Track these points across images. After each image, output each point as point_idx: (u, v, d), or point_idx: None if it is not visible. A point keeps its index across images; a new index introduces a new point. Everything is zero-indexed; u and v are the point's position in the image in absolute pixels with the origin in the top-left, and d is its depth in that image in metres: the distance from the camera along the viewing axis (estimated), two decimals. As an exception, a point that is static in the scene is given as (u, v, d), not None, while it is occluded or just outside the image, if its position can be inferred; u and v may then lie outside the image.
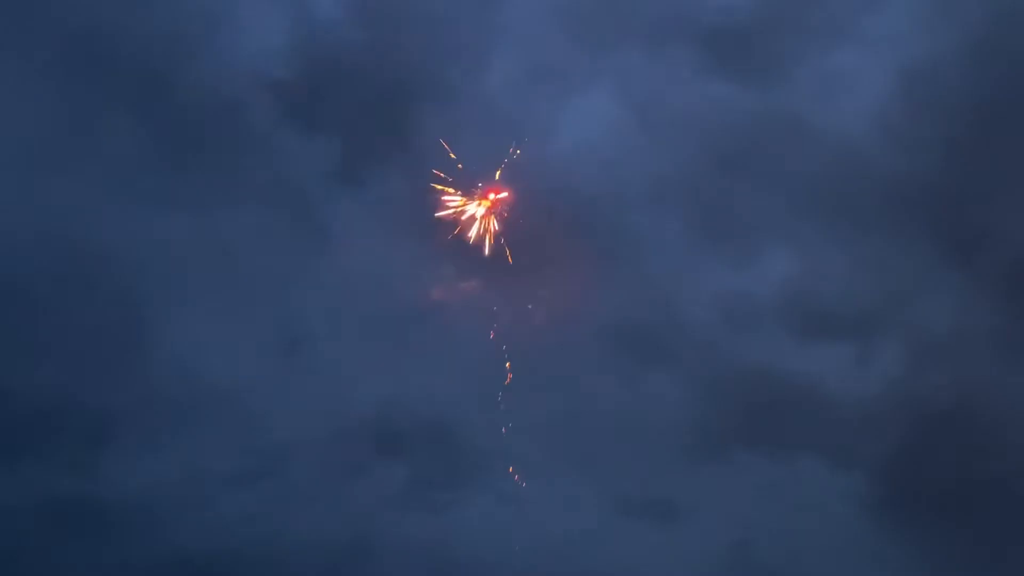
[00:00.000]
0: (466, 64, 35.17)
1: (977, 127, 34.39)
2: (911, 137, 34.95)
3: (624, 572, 35.27)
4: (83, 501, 34.67)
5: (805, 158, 35.32)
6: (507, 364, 34.82)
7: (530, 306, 35.23)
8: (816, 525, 35.83)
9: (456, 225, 33.79)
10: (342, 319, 36.75)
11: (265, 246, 36.24)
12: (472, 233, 33.82)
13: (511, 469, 34.84)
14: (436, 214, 33.68)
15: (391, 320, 36.58)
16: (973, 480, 35.03)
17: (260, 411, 35.96)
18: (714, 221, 35.71)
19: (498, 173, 33.63)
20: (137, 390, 35.23)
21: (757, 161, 35.45)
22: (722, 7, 34.20)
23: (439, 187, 33.42)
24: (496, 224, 33.83)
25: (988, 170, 34.77)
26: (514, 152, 33.39)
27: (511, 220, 33.88)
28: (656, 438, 36.26)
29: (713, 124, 34.92)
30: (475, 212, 33.62)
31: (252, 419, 35.91)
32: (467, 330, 35.92)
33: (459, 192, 33.61)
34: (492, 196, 33.68)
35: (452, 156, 33.35)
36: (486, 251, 34.01)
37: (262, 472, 36.08)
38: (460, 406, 36.09)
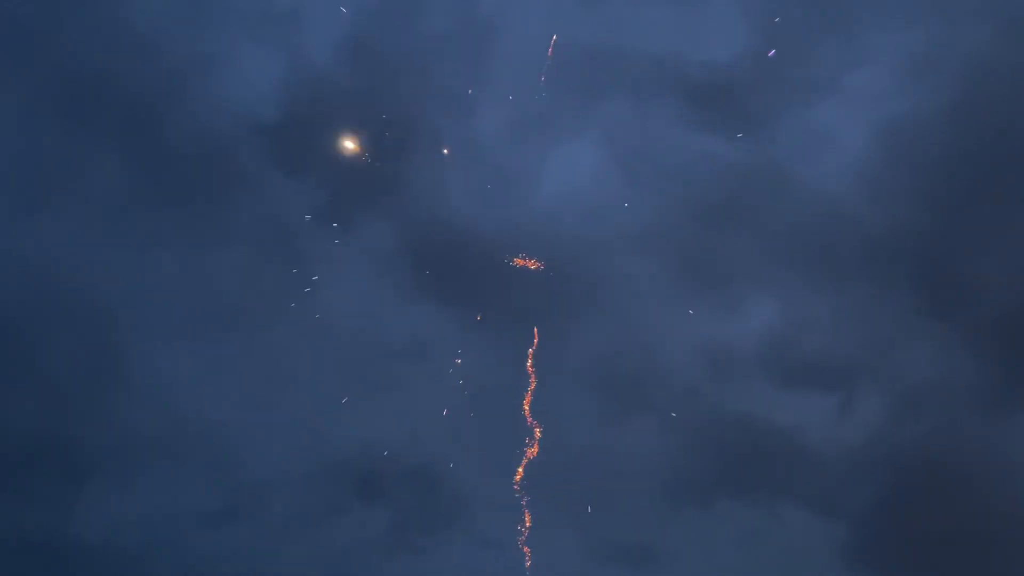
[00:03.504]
0: (453, 111, 35.52)
1: (956, 182, 34.99)
2: (891, 191, 35.55)
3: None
4: (57, 538, 34.27)
5: (787, 210, 35.85)
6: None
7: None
8: (797, 572, 35.85)
9: None
10: (325, 360, 36.70)
11: (249, 286, 36.24)
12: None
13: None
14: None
15: (373, 362, 36.63)
16: (952, 529, 35.20)
17: (239, 450, 35.76)
18: (697, 271, 36.06)
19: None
20: (115, 428, 35.06)
21: (740, 212, 35.90)
22: (707, 62, 34.84)
23: None
24: None
25: (967, 224, 35.31)
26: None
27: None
28: (637, 484, 36.30)
29: (697, 175, 35.38)
30: None
31: (231, 458, 35.73)
32: (448, 373, 35.95)
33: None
34: None
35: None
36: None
37: (240, 512, 35.83)
38: (441, 450, 36.03)
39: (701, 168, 35.09)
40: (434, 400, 35.59)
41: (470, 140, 35.08)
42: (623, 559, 36.37)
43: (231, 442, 35.82)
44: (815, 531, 36.03)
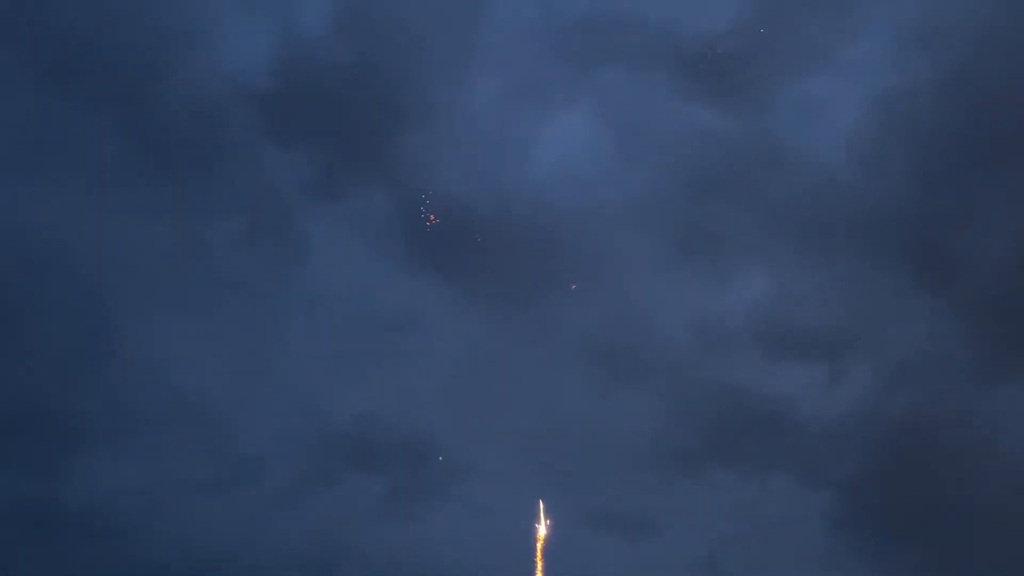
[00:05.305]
0: (447, 82, 35.34)
1: (949, 155, 35.16)
2: (884, 163, 35.68)
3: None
4: (49, 507, 34.36)
5: (780, 182, 36.02)
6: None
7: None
8: (784, 541, 36.38)
9: None
10: (318, 331, 36.76)
11: (242, 256, 36.21)
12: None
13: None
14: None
15: (366, 332, 36.72)
16: (937, 499, 35.79)
17: (233, 421, 35.92)
18: (689, 242, 36.24)
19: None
20: (108, 397, 35.09)
21: (733, 184, 36.06)
22: (702, 34, 34.74)
23: None
24: None
25: (959, 197, 35.54)
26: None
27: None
28: (628, 454, 36.66)
29: (691, 147, 35.47)
30: None
31: (224, 428, 35.85)
32: (442, 344, 36.11)
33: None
34: None
35: None
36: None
37: (234, 481, 36.03)
38: (434, 419, 36.26)
39: (695, 139, 35.19)
40: (428, 371, 35.81)
41: (463, 110, 35.00)
42: (613, 528, 36.81)
43: (226, 412, 35.89)
44: (803, 501, 36.53)
